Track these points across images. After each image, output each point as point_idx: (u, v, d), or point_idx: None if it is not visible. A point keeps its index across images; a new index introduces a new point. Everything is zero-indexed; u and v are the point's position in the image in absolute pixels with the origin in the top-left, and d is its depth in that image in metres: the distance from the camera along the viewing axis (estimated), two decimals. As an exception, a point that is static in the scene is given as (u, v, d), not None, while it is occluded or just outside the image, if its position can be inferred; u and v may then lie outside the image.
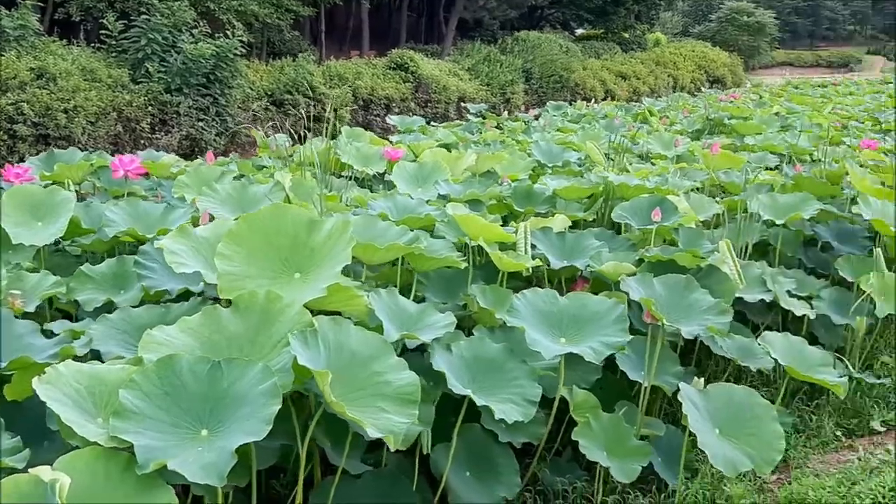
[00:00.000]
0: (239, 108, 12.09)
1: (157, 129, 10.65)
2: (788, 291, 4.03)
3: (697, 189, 5.20)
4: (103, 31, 11.06)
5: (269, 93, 13.22)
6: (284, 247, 2.53)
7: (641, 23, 34.92)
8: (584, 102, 15.54)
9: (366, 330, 2.32)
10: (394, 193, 4.38)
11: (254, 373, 2.05)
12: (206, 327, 2.29)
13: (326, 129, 6.24)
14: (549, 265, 3.80)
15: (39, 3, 11.72)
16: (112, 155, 8.93)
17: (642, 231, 4.18)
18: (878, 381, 3.70)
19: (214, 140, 11.16)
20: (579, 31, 35.06)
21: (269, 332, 2.27)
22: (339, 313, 2.76)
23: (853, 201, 4.91)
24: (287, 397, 2.41)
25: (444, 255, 3.28)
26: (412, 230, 3.49)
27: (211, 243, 2.77)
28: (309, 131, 13.55)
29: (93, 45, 11.22)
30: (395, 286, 3.65)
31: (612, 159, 7.51)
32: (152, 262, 3.17)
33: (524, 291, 2.94)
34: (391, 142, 8.23)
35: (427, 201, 4.44)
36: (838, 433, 3.49)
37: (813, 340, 4.23)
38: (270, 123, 12.19)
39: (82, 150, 9.16)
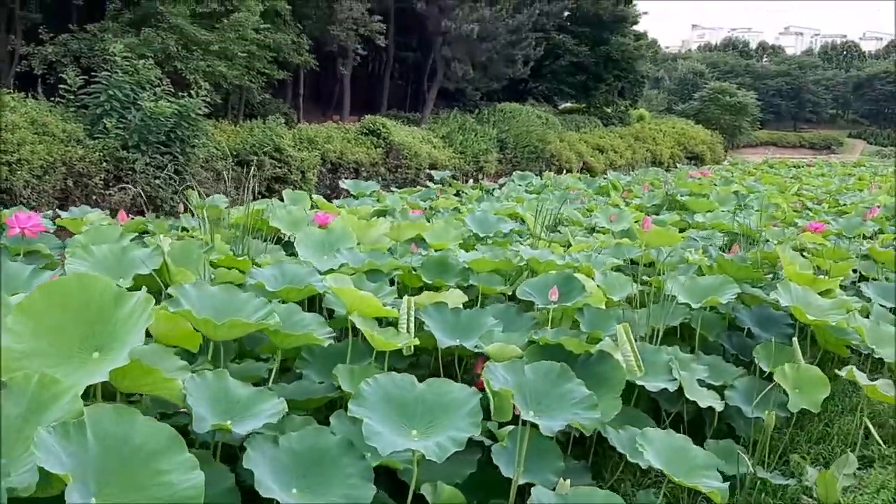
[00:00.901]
0: (201, 167, 11.96)
1: (111, 185, 10.47)
2: (700, 380, 3.78)
3: (619, 268, 4.99)
4: (63, 86, 11.00)
5: (235, 153, 13.14)
6: (86, 322, 2.27)
7: (624, 99, 35.61)
8: (553, 173, 15.54)
9: (155, 421, 2.05)
10: (283, 261, 4.14)
11: (-8, 471, 1.77)
12: (-29, 412, 2.01)
13: (245, 191, 6.08)
14: (437, 344, 3.55)
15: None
16: (59, 209, 8.73)
17: (546, 310, 3.96)
18: (785, 482, 3.41)
19: (171, 198, 10.97)
20: (563, 105, 35.71)
21: (40, 421, 1.99)
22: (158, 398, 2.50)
23: (784, 286, 4.72)
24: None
25: (305, 331, 3.02)
26: (283, 302, 3.25)
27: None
28: (271, 192, 13.36)
29: (52, 99, 11.14)
30: (276, 360, 3.41)
31: (559, 231, 7.40)
32: (-21, 330, 2.89)
33: (376, 376, 2.67)
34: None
35: (328, 271, 4.21)
36: (739, 540, 3.19)
37: (729, 431, 3.97)
38: (232, 184, 12.06)
39: (24, 205, 8.99)
